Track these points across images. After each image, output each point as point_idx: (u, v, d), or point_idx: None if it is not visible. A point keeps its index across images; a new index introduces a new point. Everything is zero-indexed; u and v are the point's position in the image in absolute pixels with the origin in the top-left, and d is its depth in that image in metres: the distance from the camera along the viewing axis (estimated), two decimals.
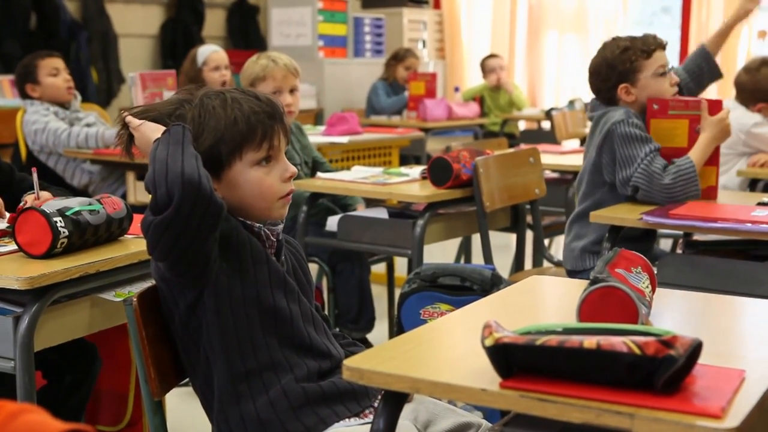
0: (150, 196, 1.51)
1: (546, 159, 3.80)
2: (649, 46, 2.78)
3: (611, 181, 2.79)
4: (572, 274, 2.87)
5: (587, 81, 2.91)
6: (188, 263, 1.53)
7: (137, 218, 2.20)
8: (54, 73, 4.20)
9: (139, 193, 4.06)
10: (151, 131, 1.62)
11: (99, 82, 6.70)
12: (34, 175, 2.13)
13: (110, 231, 2.05)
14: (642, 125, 2.76)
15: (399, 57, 6.92)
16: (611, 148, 2.76)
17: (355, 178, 3.24)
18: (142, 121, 1.65)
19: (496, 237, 3.37)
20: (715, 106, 2.80)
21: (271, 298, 1.60)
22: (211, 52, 4.77)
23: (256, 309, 1.59)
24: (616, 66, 2.78)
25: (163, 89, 4.38)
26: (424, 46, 8.53)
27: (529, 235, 3.52)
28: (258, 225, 1.65)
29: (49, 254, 1.91)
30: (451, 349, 1.41)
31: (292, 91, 3.36)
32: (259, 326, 1.59)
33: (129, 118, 1.67)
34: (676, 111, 2.79)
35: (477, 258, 3.69)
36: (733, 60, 7.72)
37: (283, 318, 1.61)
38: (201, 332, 1.59)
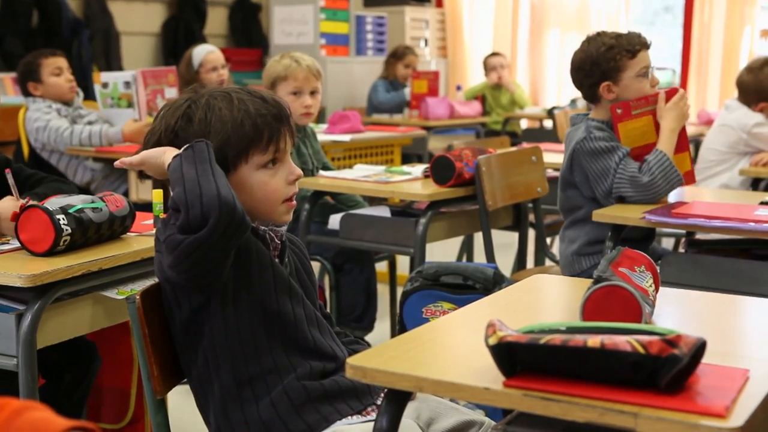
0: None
1: (548, 158, 3.79)
2: (634, 45, 2.74)
3: (590, 196, 2.78)
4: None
5: (570, 75, 2.87)
6: (206, 275, 1.53)
7: (140, 216, 2.20)
8: (57, 72, 4.20)
9: (141, 190, 4.06)
10: (155, 158, 1.60)
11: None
12: (9, 176, 2.07)
13: (113, 229, 2.05)
14: (606, 135, 2.74)
15: (398, 55, 6.92)
16: (581, 167, 2.76)
17: (357, 177, 3.24)
18: (139, 156, 1.63)
19: (498, 235, 3.36)
20: (672, 93, 2.79)
21: (276, 302, 1.60)
22: (206, 54, 4.74)
23: (261, 314, 1.59)
24: (600, 64, 2.74)
25: (165, 86, 4.38)
26: (426, 44, 8.52)
27: (532, 233, 3.52)
28: (263, 228, 1.64)
29: (52, 252, 1.91)
30: (454, 347, 1.41)
31: (313, 93, 3.38)
32: (263, 331, 1.59)
33: (124, 163, 1.65)
34: (639, 110, 2.77)
35: (479, 256, 3.69)
36: (736, 59, 7.72)
37: (287, 322, 1.61)
38: (202, 336, 1.58)
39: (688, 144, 2.84)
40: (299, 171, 1.67)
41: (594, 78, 2.76)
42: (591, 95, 2.82)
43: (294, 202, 1.67)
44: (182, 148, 1.54)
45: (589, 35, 2.84)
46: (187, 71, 4.71)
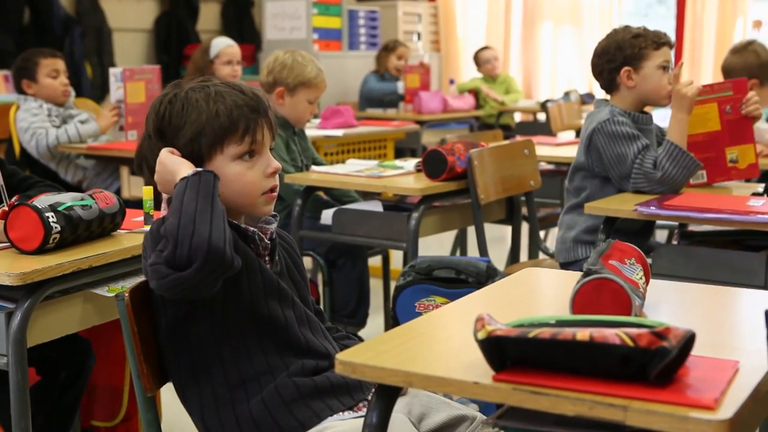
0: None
1: (541, 151, 3.79)
2: (660, 38, 2.83)
3: (602, 174, 2.80)
4: (565, 266, 2.87)
5: (590, 63, 2.93)
6: (192, 298, 1.53)
7: (131, 213, 2.20)
8: (53, 75, 4.19)
9: (133, 187, 4.06)
10: (173, 164, 1.58)
11: (93, 77, 6.68)
12: None
13: (103, 226, 2.04)
14: (629, 122, 2.77)
15: (389, 48, 6.92)
16: (596, 148, 2.78)
17: (349, 171, 3.24)
18: (159, 165, 1.60)
19: (491, 229, 3.36)
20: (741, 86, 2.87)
21: (265, 306, 1.59)
22: (225, 46, 4.77)
23: (251, 319, 1.58)
24: (625, 48, 2.81)
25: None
26: (419, 38, 8.51)
27: (525, 227, 3.52)
28: (252, 229, 1.63)
29: (42, 250, 1.90)
30: (444, 342, 1.40)
31: None
32: (254, 336, 1.58)
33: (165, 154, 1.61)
34: (702, 96, 2.85)
35: (472, 250, 3.68)
36: None
37: (278, 325, 1.60)
38: (188, 341, 1.58)
39: (752, 137, 2.88)
40: (277, 164, 1.66)
41: (616, 63, 2.83)
42: (609, 82, 2.87)
43: (274, 193, 1.66)
44: (191, 172, 1.53)
45: (615, 27, 2.93)
46: (202, 58, 4.74)
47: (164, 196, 1.64)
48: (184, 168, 1.56)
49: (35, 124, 4.10)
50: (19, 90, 4.22)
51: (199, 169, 1.54)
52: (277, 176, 1.66)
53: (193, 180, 1.51)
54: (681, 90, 2.77)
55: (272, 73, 3.41)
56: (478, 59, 7.55)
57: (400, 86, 6.55)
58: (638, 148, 2.71)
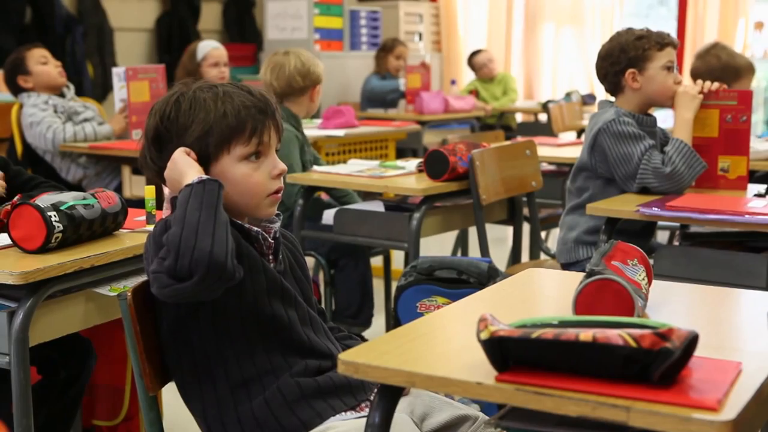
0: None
1: (542, 151, 3.79)
2: (664, 39, 2.83)
3: (605, 175, 2.80)
4: (566, 267, 2.87)
5: (595, 66, 2.93)
6: (192, 303, 1.53)
7: (132, 212, 2.20)
8: (43, 61, 4.20)
9: (134, 187, 4.05)
10: (184, 166, 1.57)
11: (95, 76, 6.68)
12: None
13: (105, 225, 2.04)
14: (634, 123, 2.77)
15: (387, 48, 6.92)
16: (602, 149, 2.78)
17: (351, 172, 3.24)
18: (184, 154, 1.59)
19: (492, 230, 3.36)
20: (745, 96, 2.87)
21: (269, 306, 1.59)
22: (211, 48, 4.79)
23: (254, 319, 1.58)
24: (629, 50, 2.81)
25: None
26: (420, 38, 8.51)
27: (526, 227, 3.52)
28: (256, 229, 1.63)
29: (44, 249, 1.90)
30: (447, 342, 1.40)
31: None
32: (257, 336, 1.58)
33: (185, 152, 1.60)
34: (706, 101, 2.85)
35: (474, 251, 3.68)
36: None
37: (281, 325, 1.60)
38: (190, 341, 1.58)
39: (747, 149, 2.88)
40: (283, 166, 1.66)
41: (620, 65, 2.83)
42: (614, 85, 2.88)
43: (278, 195, 1.66)
44: (196, 179, 1.52)
45: (619, 30, 2.93)
46: (190, 62, 4.77)
47: (166, 193, 1.64)
48: (192, 172, 1.55)
49: (48, 118, 4.11)
50: (17, 90, 4.22)
51: (205, 177, 1.53)
52: (281, 178, 1.66)
53: (197, 189, 1.50)
54: (689, 91, 2.78)
55: (295, 78, 3.45)
56: (473, 65, 7.53)
57: (402, 83, 6.55)
58: (644, 147, 2.72)
